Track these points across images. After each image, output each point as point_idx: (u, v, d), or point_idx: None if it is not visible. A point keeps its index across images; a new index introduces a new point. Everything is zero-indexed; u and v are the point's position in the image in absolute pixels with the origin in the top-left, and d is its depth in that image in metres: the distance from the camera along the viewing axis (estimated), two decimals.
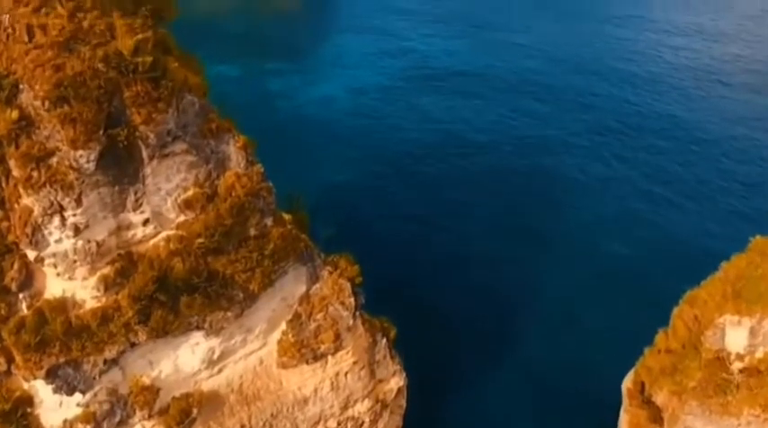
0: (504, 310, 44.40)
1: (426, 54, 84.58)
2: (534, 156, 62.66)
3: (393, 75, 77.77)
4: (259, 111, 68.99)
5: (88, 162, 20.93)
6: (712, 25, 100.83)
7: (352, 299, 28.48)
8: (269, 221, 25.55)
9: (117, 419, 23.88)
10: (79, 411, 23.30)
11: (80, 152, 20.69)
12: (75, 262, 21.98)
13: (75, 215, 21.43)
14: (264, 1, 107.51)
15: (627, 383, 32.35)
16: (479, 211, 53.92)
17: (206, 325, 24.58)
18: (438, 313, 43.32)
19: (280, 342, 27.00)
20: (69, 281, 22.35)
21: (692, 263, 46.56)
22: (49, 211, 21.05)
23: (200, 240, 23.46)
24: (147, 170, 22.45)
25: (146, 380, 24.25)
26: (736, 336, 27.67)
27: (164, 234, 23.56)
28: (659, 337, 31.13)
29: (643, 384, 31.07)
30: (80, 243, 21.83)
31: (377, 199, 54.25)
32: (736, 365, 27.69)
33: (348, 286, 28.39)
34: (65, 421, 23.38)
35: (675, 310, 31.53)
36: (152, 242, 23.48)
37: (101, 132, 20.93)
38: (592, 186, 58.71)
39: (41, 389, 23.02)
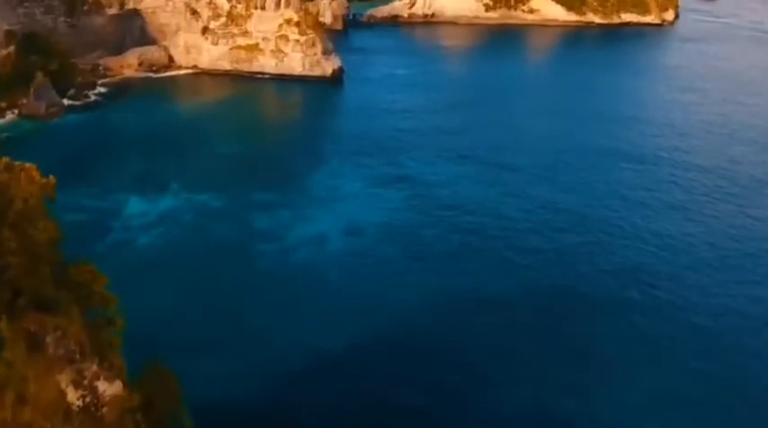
0: None
1: (423, 189, 77.31)
2: (555, 317, 54.38)
3: (389, 215, 70.36)
4: (240, 258, 60.97)
5: None
6: (729, 152, 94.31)
7: None
8: None
9: None
10: None
11: None
12: None
13: None
14: (257, 124, 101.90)
15: None
16: (500, 398, 45.32)
17: None
18: None
19: None
20: None
21: None
22: None
23: None
24: None
25: None
26: None
27: None
28: None
29: None
30: None
31: (369, 394, 45.55)
32: None
33: None
34: None
35: None
36: None
37: None
38: (623, 359, 50.11)
39: None
